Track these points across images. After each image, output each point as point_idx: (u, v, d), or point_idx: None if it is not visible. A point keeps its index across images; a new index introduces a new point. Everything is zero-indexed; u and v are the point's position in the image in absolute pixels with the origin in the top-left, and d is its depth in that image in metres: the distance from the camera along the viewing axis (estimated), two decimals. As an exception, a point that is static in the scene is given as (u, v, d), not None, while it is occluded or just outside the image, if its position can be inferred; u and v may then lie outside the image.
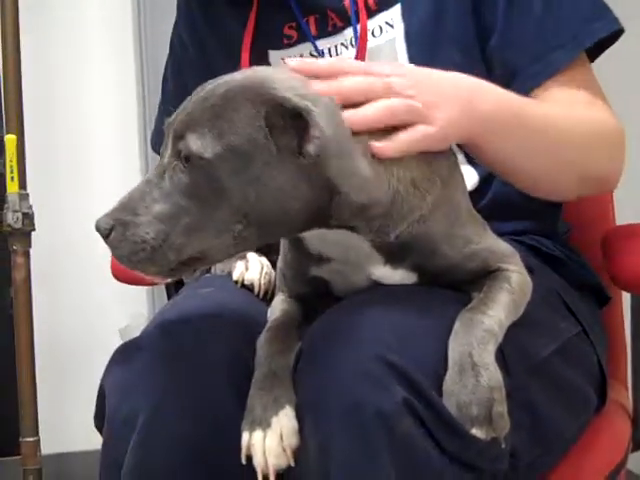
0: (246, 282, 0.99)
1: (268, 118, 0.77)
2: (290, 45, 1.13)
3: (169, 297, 1.30)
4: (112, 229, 0.77)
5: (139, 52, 1.90)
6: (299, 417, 0.79)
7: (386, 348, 0.77)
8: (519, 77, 1.02)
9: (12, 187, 1.68)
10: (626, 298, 1.21)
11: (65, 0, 1.90)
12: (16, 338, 1.71)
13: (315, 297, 0.92)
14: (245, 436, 0.80)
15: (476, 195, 1.04)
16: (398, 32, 1.07)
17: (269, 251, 1.04)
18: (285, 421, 0.79)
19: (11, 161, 1.67)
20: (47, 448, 1.74)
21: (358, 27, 1.07)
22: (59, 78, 1.91)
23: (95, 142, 1.95)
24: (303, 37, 1.11)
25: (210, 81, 0.81)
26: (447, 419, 0.76)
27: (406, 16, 1.06)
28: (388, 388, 0.75)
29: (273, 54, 1.14)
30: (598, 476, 0.98)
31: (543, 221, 1.12)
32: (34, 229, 1.68)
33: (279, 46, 1.13)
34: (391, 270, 0.87)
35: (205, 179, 0.77)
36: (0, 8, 1.68)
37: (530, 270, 0.93)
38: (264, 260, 1.02)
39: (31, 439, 1.69)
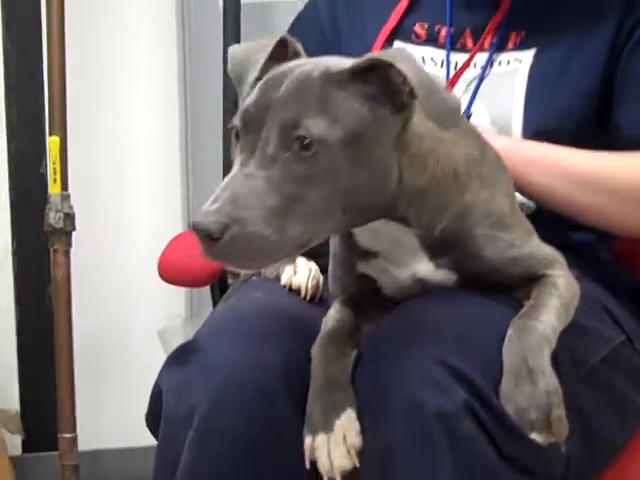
0: (294, 286, 1.01)
1: (364, 88, 0.78)
2: (417, 43, 1.17)
3: (214, 299, 1.33)
4: (225, 228, 0.73)
5: (182, 53, 1.92)
6: (361, 419, 0.81)
7: (447, 351, 0.79)
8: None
9: (54, 188, 1.70)
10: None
11: (109, 3, 1.93)
12: (55, 336, 1.73)
13: (366, 298, 0.94)
14: (308, 440, 0.82)
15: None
16: (524, 67, 1.12)
17: (317, 256, 1.06)
18: (347, 423, 0.81)
19: (54, 163, 1.70)
20: (84, 444, 1.76)
21: (461, 58, 1.13)
22: (102, 81, 1.93)
23: (137, 144, 1.97)
24: (431, 41, 1.16)
25: (287, 65, 0.81)
26: (507, 423, 0.78)
27: (537, 57, 1.12)
28: (449, 390, 0.77)
29: (398, 44, 1.18)
30: (644, 483, 0.99)
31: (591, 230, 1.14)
32: (75, 229, 1.71)
33: (407, 39, 1.18)
34: (434, 268, 0.89)
35: (326, 166, 0.76)
36: (46, 10, 1.71)
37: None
38: (312, 264, 1.04)
39: (69, 435, 1.70)
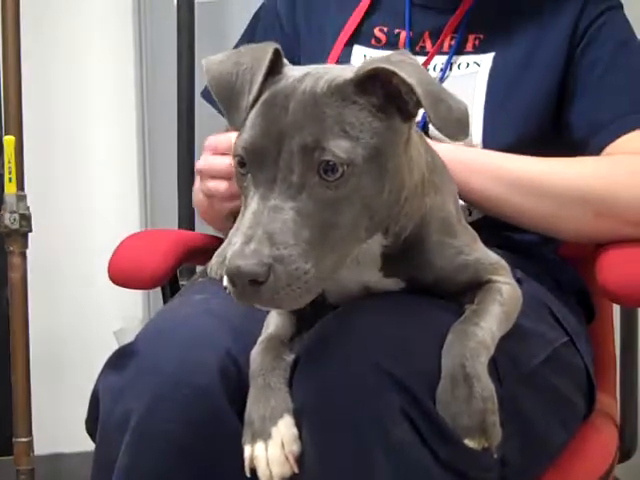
0: None
1: (371, 99, 0.75)
2: (377, 47, 1.17)
3: (165, 301, 1.32)
4: (270, 270, 0.69)
5: (139, 53, 1.91)
6: (297, 424, 0.80)
7: (382, 356, 0.79)
8: (600, 132, 1.09)
9: (10, 188, 1.69)
10: (616, 310, 1.23)
11: (65, 1, 1.91)
12: (11, 338, 1.71)
13: (309, 306, 0.93)
14: (247, 449, 0.81)
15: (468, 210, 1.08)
16: (483, 70, 1.13)
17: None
18: (285, 430, 0.80)
19: (9, 162, 1.68)
20: (40, 449, 1.74)
21: (421, 60, 1.12)
22: (58, 79, 1.92)
23: (93, 144, 1.96)
24: (391, 45, 1.16)
25: (282, 83, 0.75)
26: (442, 428, 0.77)
27: (496, 61, 1.13)
28: (384, 395, 0.77)
29: (358, 49, 1.18)
30: (585, 484, 0.99)
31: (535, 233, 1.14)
32: (31, 230, 1.69)
33: (366, 44, 1.18)
34: (383, 277, 0.88)
35: (354, 186, 0.73)
36: (0, 9, 1.69)
37: (518, 281, 0.95)
38: None
39: (24, 439, 1.69)
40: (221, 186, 1.06)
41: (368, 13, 1.19)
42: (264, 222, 0.71)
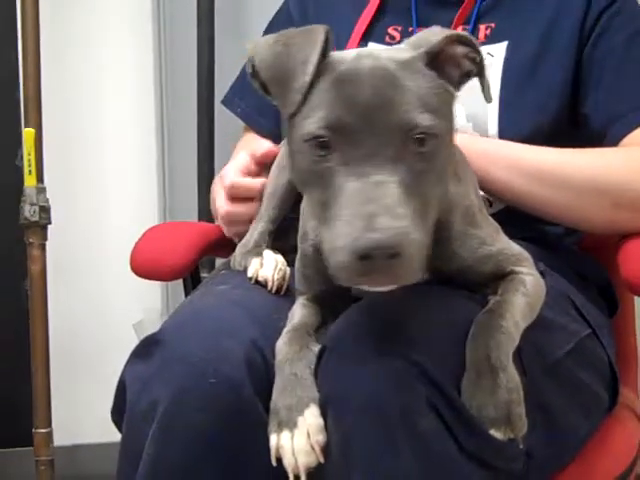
0: (260, 279, 1.01)
1: (440, 72, 0.77)
2: (392, 44, 1.17)
3: (186, 293, 1.32)
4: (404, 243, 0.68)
5: (157, 47, 1.91)
6: (324, 414, 0.81)
7: (410, 347, 0.79)
8: (617, 123, 1.09)
9: (30, 180, 1.69)
10: (638, 303, 1.23)
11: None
12: (31, 330, 1.72)
13: (334, 297, 0.93)
14: (273, 438, 0.81)
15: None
16: (497, 61, 1.13)
17: (285, 249, 1.05)
18: (311, 419, 0.80)
19: (29, 155, 1.68)
20: (60, 440, 1.75)
21: None
22: (78, 73, 1.92)
23: (112, 137, 1.96)
24: None
25: (345, 61, 0.76)
26: (468, 419, 0.78)
27: (510, 50, 1.12)
28: (411, 386, 0.77)
29: (372, 46, 1.18)
30: (608, 477, 0.99)
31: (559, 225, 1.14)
32: (50, 222, 1.70)
33: (381, 42, 1.18)
34: None
35: (440, 158, 0.75)
36: (20, 3, 1.69)
37: (541, 274, 0.95)
38: (279, 257, 1.04)
39: (44, 430, 1.70)
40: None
41: (378, 13, 1.19)
42: (377, 197, 0.69)
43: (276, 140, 1.22)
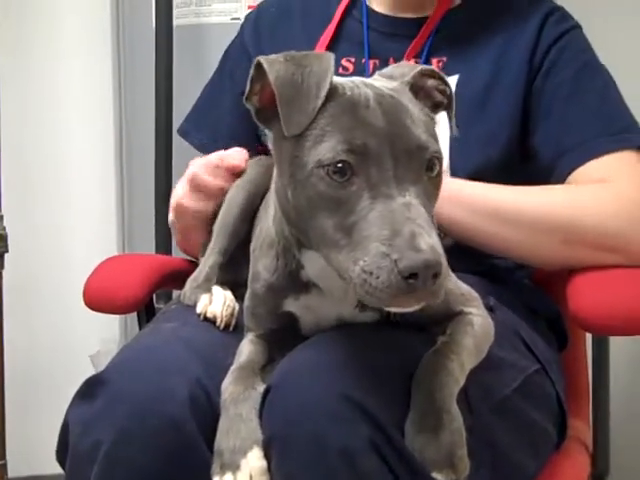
0: (209, 315, 1.01)
1: (423, 101, 0.81)
2: (344, 75, 1.16)
3: (140, 326, 1.31)
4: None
5: (117, 76, 1.91)
6: (267, 455, 0.80)
7: (352, 387, 0.79)
8: (565, 158, 1.10)
9: (-14, 209, 1.68)
10: (589, 337, 1.23)
11: (42, 25, 1.91)
12: (-14, 360, 1.70)
13: (282, 335, 0.93)
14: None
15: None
16: None
17: (237, 282, 1.05)
18: (254, 462, 0.80)
19: (-14, 183, 1.67)
20: (14, 471, 1.72)
21: None
22: (35, 101, 1.92)
23: (71, 166, 1.96)
24: (358, 72, 1.17)
25: (349, 88, 0.77)
26: (410, 460, 0.77)
27: (460, 85, 1.14)
28: (353, 426, 0.77)
29: None
30: (558, 511, 0.99)
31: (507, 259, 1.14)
32: (7, 251, 1.68)
33: (334, 73, 1.18)
34: (359, 311, 0.88)
35: (440, 183, 0.79)
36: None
37: (490, 309, 0.95)
38: (228, 294, 1.04)
39: (-2, 462, 1.68)
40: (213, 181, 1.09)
41: (332, 44, 1.20)
42: (412, 217, 0.71)
43: None
